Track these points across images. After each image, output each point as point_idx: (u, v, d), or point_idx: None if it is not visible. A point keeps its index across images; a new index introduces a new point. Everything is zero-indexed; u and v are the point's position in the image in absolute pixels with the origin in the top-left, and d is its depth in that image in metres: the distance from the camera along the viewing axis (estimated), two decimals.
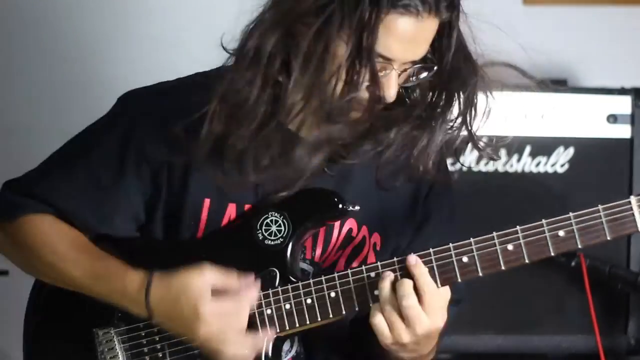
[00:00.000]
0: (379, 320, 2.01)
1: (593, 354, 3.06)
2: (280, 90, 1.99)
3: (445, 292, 2.02)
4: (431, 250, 2.03)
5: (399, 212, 2.19)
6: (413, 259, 2.01)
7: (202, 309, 2.00)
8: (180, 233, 2.14)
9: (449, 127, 2.08)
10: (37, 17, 3.47)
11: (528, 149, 3.06)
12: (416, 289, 1.99)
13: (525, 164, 3.07)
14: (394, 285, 2.01)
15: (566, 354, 3.09)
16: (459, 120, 2.07)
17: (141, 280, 2.05)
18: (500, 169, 3.08)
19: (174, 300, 2.02)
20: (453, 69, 2.02)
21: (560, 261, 3.02)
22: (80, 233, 2.16)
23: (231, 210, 2.13)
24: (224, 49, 2.04)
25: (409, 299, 1.98)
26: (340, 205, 2.09)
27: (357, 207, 2.10)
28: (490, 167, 3.06)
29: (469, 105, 2.06)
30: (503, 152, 3.06)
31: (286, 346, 2.18)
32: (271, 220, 2.10)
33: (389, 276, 2.01)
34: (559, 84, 3.23)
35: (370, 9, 1.92)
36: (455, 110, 2.08)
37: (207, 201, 2.12)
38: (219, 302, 2.01)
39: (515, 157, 3.07)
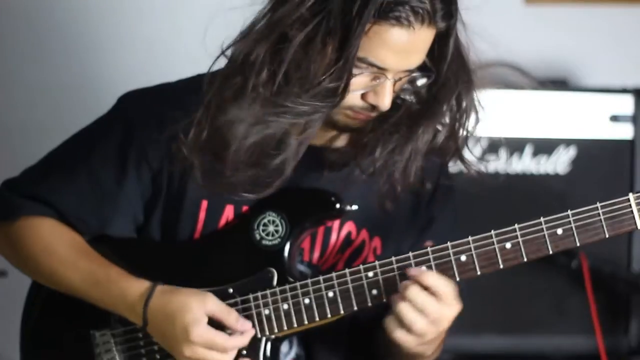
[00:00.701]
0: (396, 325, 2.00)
1: (594, 355, 3.06)
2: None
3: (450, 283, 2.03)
4: (429, 249, 2.03)
5: (401, 216, 2.18)
6: (414, 271, 2.01)
7: (193, 332, 2.01)
8: (177, 234, 2.13)
9: (433, 135, 2.07)
10: (36, 16, 3.47)
11: (529, 149, 3.06)
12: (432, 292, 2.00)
13: (526, 164, 3.07)
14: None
15: (567, 354, 3.09)
16: (448, 127, 2.06)
17: (144, 289, 2.06)
18: (501, 169, 3.07)
19: (170, 315, 2.03)
20: (447, 78, 2.01)
21: (561, 262, 3.02)
22: (81, 237, 2.16)
23: (229, 212, 2.12)
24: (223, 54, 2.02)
25: (425, 302, 1.98)
26: (338, 205, 2.08)
27: (355, 207, 2.09)
28: (491, 167, 3.06)
29: (461, 113, 2.05)
30: (503, 152, 3.06)
31: (285, 348, 2.18)
32: (268, 220, 2.10)
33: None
34: (559, 84, 3.23)
35: (357, 18, 1.91)
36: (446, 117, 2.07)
37: (204, 202, 2.12)
38: (212, 331, 2.02)
39: (516, 157, 3.06)
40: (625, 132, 3.07)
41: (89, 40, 3.47)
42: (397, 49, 1.95)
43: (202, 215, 2.12)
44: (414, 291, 1.98)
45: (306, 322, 2.06)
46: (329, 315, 2.06)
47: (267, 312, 2.07)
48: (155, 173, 2.12)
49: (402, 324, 1.98)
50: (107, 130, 2.15)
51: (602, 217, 1.99)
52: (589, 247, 2.91)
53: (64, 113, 3.46)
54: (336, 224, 2.16)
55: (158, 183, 2.12)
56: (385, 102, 2.00)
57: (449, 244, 2.02)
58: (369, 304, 2.04)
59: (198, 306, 2.02)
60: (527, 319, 3.08)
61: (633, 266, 3.07)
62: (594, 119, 3.06)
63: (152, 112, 2.11)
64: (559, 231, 2.00)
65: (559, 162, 3.06)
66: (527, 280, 3.03)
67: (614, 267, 3.02)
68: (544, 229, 2.00)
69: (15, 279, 3.37)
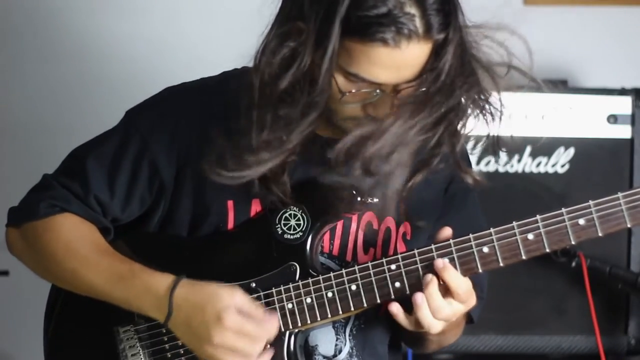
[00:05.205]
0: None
1: (593, 354, 3.07)
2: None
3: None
4: (451, 241, 2.04)
5: (426, 198, 2.18)
6: (440, 263, 2.02)
7: (225, 317, 2.02)
8: (203, 234, 2.15)
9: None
10: (37, 16, 3.48)
11: (528, 149, 3.06)
12: (448, 289, 2.02)
13: (526, 164, 3.08)
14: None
15: (567, 354, 3.10)
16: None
17: (169, 281, 2.06)
18: (501, 169, 3.08)
19: (199, 303, 2.04)
20: (450, 84, 1.99)
21: (561, 261, 3.02)
22: (101, 237, 2.16)
23: (256, 206, 2.14)
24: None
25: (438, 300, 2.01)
26: (359, 198, 2.09)
27: (375, 200, 2.09)
28: (491, 167, 3.07)
29: (462, 114, 2.04)
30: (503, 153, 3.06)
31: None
32: (290, 215, 2.11)
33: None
34: (559, 84, 3.24)
35: (339, 38, 1.93)
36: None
37: (230, 203, 2.13)
38: (244, 318, 2.03)
39: (515, 157, 3.07)
40: (624, 132, 3.07)
41: (91, 39, 3.48)
42: (387, 67, 1.96)
43: (231, 214, 2.13)
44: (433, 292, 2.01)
45: (330, 315, 2.08)
46: (352, 309, 2.07)
47: (290, 306, 2.08)
48: (163, 183, 2.14)
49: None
50: (120, 149, 2.16)
51: (623, 206, 2.00)
52: (588, 247, 2.94)
53: (64, 112, 3.47)
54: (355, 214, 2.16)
55: (164, 193, 2.14)
56: (384, 114, 2.00)
57: (470, 235, 2.03)
58: (392, 297, 2.05)
59: (228, 296, 2.03)
60: (527, 319, 3.08)
61: (632, 266, 3.08)
62: (593, 119, 3.07)
63: (163, 124, 2.13)
64: (581, 221, 2.01)
65: (559, 162, 3.07)
66: (527, 280, 3.04)
67: (613, 267, 3.02)
68: (566, 220, 2.01)
69: (17, 278, 3.39)
